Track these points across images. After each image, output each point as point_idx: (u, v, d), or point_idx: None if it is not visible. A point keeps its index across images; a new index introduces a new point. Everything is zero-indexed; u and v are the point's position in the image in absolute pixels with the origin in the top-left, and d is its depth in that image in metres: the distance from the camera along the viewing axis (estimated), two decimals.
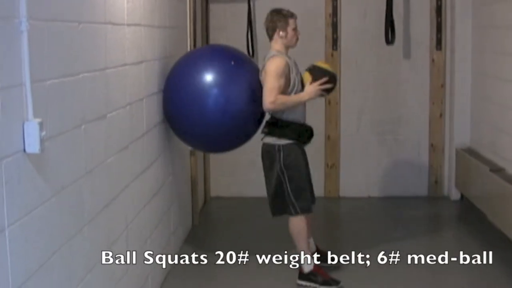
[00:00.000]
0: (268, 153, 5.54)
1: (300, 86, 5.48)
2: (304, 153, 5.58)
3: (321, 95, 5.55)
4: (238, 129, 5.65)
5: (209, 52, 6.14)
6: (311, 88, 5.43)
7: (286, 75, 5.39)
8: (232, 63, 5.67)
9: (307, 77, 5.50)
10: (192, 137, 5.75)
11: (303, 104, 5.54)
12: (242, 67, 5.73)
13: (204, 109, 5.49)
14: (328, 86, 5.48)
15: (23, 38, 2.84)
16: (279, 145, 5.47)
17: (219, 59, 5.73)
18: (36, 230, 2.97)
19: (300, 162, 5.52)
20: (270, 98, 5.30)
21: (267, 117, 5.64)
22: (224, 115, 5.50)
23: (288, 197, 5.46)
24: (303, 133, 5.53)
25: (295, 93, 5.45)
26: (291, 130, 5.48)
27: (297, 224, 5.50)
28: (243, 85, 5.59)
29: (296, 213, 5.46)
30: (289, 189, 5.45)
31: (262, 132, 5.60)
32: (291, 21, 5.52)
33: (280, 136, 5.48)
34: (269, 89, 5.32)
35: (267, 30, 5.59)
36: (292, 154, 5.47)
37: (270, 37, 5.57)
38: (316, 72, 5.51)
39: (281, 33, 5.50)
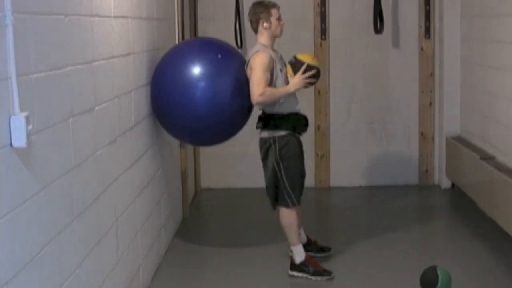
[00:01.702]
0: (263, 146, 5.54)
1: (283, 80, 5.47)
2: (300, 144, 5.58)
3: (306, 86, 5.53)
4: (226, 122, 5.63)
5: (195, 44, 6.13)
6: (295, 79, 5.41)
7: (270, 69, 5.39)
8: (219, 56, 5.66)
9: (289, 69, 5.49)
10: (180, 130, 5.73)
11: (293, 95, 5.52)
12: (228, 58, 5.71)
13: (192, 101, 5.47)
14: (312, 79, 5.45)
15: (8, 31, 2.81)
16: (274, 137, 5.46)
17: (206, 51, 5.72)
18: (24, 224, 2.96)
19: (296, 152, 5.52)
20: (259, 90, 5.29)
21: (257, 111, 5.63)
22: (212, 108, 5.48)
23: (285, 189, 5.45)
24: (298, 123, 5.52)
25: (279, 86, 5.44)
26: (286, 121, 5.47)
27: (289, 216, 5.48)
28: (230, 77, 5.58)
29: (293, 205, 5.45)
30: (285, 181, 5.44)
31: (257, 127, 5.59)
32: (273, 11, 5.51)
33: (275, 128, 5.48)
34: (257, 82, 5.31)
35: (251, 23, 5.60)
36: (288, 145, 5.47)
37: (255, 30, 5.58)
38: (296, 65, 5.47)
39: (265, 24, 5.50)
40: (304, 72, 5.42)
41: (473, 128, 7.24)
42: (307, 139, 8.01)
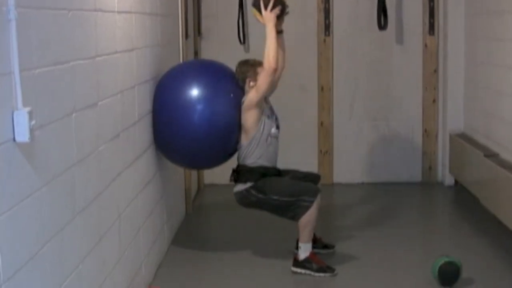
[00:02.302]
0: (242, 200, 5.60)
1: (270, 126, 5.54)
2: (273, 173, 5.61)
3: (279, 17, 5.51)
4: (224, 144, 5.62)
5: (196, 66, 6.13)
6: (264, 16, 5.46)
7: (260, 106, 5.47)
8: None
9: (255, 13, 5.54)
10: (178, 154, 5.72)
11: (274, 150, 5.61)
12: (228, 82, 5.69)
13: (190, 123, 5.47)
14: (275, 7, 5.45)
15: (11, 26, 2.79)
16: (246, 188, 5.51)
17: (205, 74, 5.71)
18: (26, 220, 2.94)
19: (271, 179, 5.53)
20: (265, 66, 5.35)
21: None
22: (210, 130, 5.48)
23: (296, 201, 5.41)
24: (267, 172, 5.55)
25: (262, 133, 5.51)
26: (255, 174, 5.51)
27: (309, 215, 5.43)
28: (229, 100, 5.58)
29: (311, 202, 5.42)
30: (287, 198, 5.42)
31: (230, 180, 5.65)
32: (259, 69, 5.52)
33: (245, 181, 5.52)
34: (261, 78, 5.39)
35: (237, 81, 5.64)
36: (262, 182, 5.49)
37: (243, 89, 5.62)
38: (255, 6, 5.52)
39: (251, 83, 5.55)
40: (265, 7, 5.47)
41: (477, 125, 7.23)
42: (311, 135, 8.05)
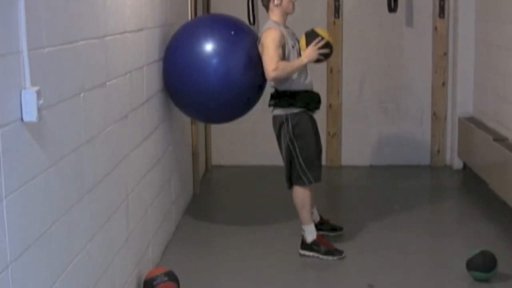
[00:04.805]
0: (277, 124, 5.51)
1: (296, 56, 5.44)
2: (313, 121, 5.54)
3: (319, 60, 5.47)
4: (239, 99, 5.60)
5: (208, 21, 6.09)
6: (308, 50, 5.36)
7: (281, 45, 5.36)
8: (232, 33, 5.61)
9: (303, 41, 5.45)
10: (193, 108, 5.71)
11: (305, 71, 5.48)
12: (242, 36, 5.67)
13: (204, 79, 5.45)
14: (325, 50, 5.40)
15: (20, 5, 2.77)
16: (286, 115, 5.43)
17: (219, 28, 5.68)
18: (34, 200, 2.94)
19: (309, 130, 5.47)
20: (272, 65, 5.26)
21: (269, 89, 5.58)
22: (225, 85, 5.46)
23: (300, 168, 5.41)
24: (311, 100, 5.49)
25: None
26: (298, 99, 5.43)
27: (303, 195, 5.45)
28: (243, 54, 5.54)
29: (310, 183, 5.42)
30: (300, 159, 5.40)
31: (269, 105, 5.56)
32: None
33: (288, 105, 5.44)
34: (269, 58, 5.29)
35: (262, 0, 5.55)
36: (301, 123, 5.43)
37: (266, 7, 5.54)
38: (310, 36, 5.43)
39: (276, 1, 5.45)
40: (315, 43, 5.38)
41: (486, 109, 7.20)
42: (319, 117, 7.96)
